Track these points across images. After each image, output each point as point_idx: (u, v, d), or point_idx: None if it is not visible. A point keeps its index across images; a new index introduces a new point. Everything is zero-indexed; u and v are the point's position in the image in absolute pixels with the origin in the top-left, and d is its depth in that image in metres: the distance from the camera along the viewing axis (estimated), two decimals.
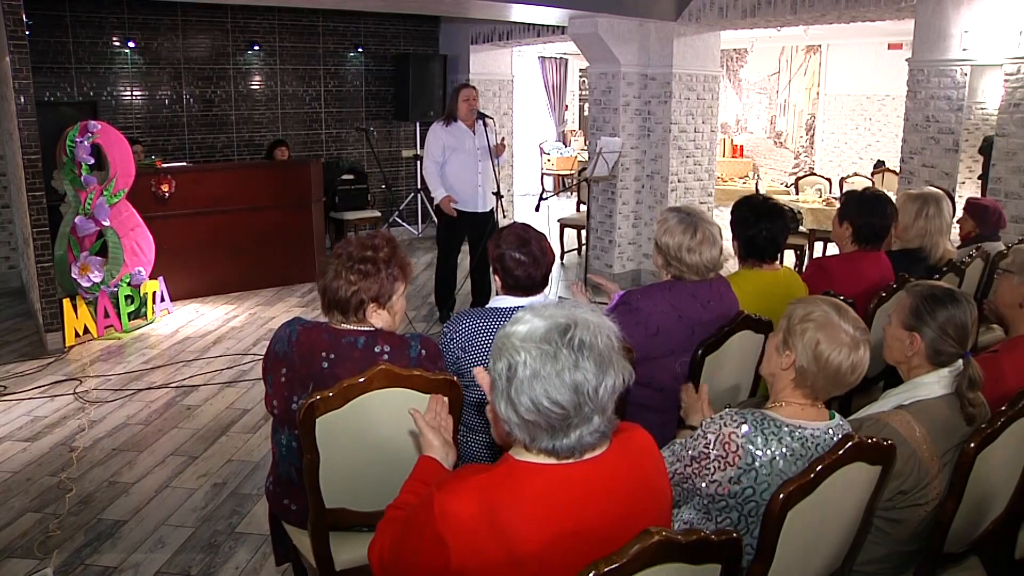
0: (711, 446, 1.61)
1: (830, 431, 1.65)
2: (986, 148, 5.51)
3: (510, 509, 1.27)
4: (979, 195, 5.42)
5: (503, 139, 5.68)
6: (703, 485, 1.62)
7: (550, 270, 2.41)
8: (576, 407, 1.25)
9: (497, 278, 2.42)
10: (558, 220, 8.31)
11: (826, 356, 1.64)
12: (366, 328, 2.08)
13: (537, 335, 1.27)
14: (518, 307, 1.78)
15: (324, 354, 2.04)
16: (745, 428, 1.60)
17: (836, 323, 1.65)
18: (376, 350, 2.05)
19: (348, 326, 2.08)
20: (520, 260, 2.33)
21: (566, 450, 1.29)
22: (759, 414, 1.64)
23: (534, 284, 2.37)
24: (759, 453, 1.58)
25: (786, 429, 1.61)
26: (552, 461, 1.31)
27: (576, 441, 1.28)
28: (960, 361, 1.93)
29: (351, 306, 2.05)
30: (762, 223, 2.78)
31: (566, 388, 1.24)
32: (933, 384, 1.93)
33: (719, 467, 1.59)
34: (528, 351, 1.26)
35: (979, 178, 5.59)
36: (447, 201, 5.31)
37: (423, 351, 2.10)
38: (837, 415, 1.72)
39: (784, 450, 1.59)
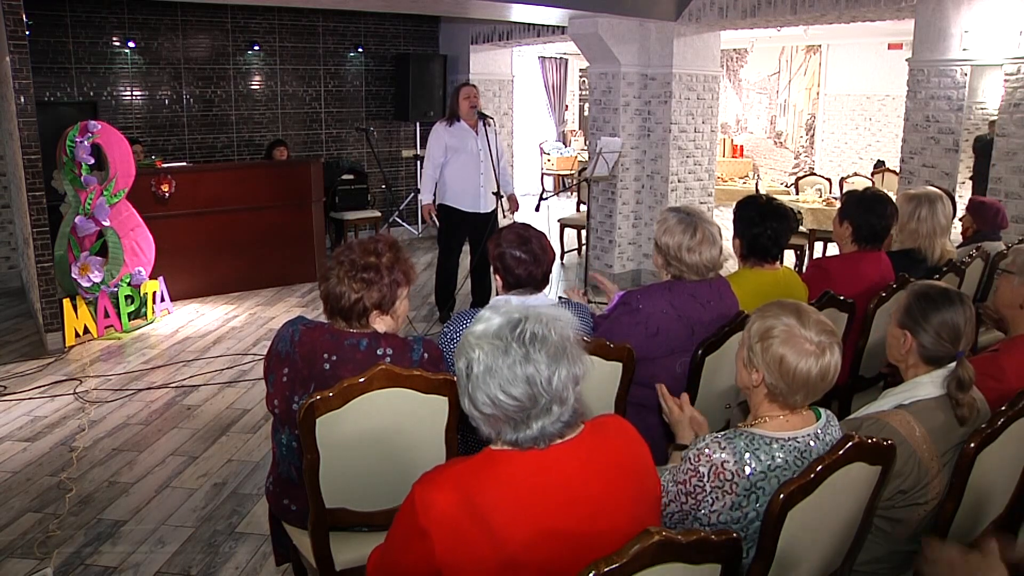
0: (705, 478, 1.57)
1: (819, 432, 1.64)
2: (976, 147, 5.51)
3: (488, 495, 1.29)
4: (967, 195, 5.41)
5: (514, 197, 5.67)
6: (702, 515, 1.59)
7: (550, 268, 2.42)
8: (531, 399, 1.29)
9: (498, 277, 2.42)
10: (558, 220, 8.31)
11: (792, 369, 1.60)
12: (368, 330, 2.08)
13: (491, 331, 1.32)
14: None
15: (326, 355, 2.03)
16: (736, 453, 1.56)
17: (798, 334, 1.61)
18: (379, 352, 2.04)
19: (351, 328, 2.08)
20: (520, 258, 2.34)
21: (529, 441, 1.32)
22: (747, 435, 1.60)
23: (535, 282, 2.37)
24: (755, 475, 1.55)
25: (776, 444, 1.59)
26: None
27: (539, 432, 1.31)
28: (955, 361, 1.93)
29: (354, 314, 2.04)
30: (768, 223, 2.78)
31: (519, 381, 1.28)
32: (930, 384, 1.92)
33: (717, 497, 1.57)
34: (481, 347, 1.31)
35: (970, 178, 5.58)
36: (428, 208, 5.43)
37: (425, 354, 2.09)
38: (824, 412, 1.69)
39: (779, 465, 1.57)
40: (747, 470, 1.55)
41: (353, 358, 2.02)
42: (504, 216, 5.54)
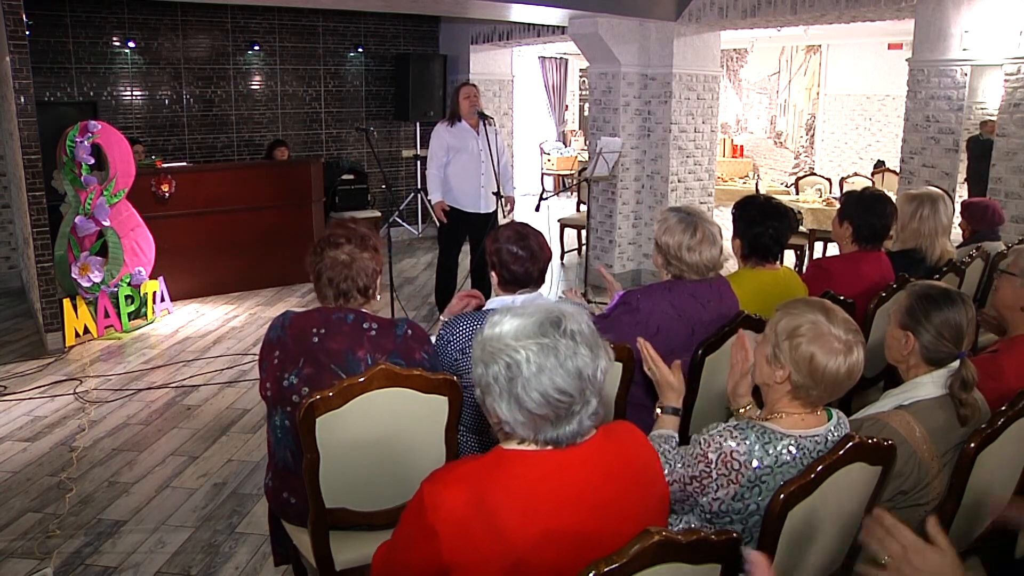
0: (713, 465, 1.58)
1: (831, 434, 1.64)
2: (969, 146, 5.50)
3: (499, 496, 1.28)
4: (966, 196, 5.41)
5: (512, 199, 5.67)
6: (704, 501, 1.60)
7: (547, 267, 2.42)
8: (580, 392, 1.30)
9: (494, 274, 2.42)
10: (558, 220, 8.31)
11: (823, 368, 1.59)
12: (354, 308, 2.16)
13: (529, 331, 1.31)
14: None
15: (315, 330, 2.10)
16: (747, 444, 1.57)
17: (827, 332, 1.60)
18: (364, 326, 2.11)
19: (362, 308, 2.16)
20: (517, 255, 2.34)
21: (569, 436, 1.32)
22: (759, 427, 1.60)
23: (530, 280, 2.37)
24: (762, 469, 1.56)
25: (787, 440, 1.59)
26: (545, 448, 1.34)
27: (578, 425, 1.32)
28: (957, 361, 1.93)
29: (374, 281, 2.15)
30: (769, 222, 2.77)
31: (571, 376, 1.29)
32: (930, 384, 1.92)
33: (722, 485, 1.57)
34: (527, 348, 1.29)
35: (965, 180, 5.58)
36: (440, 206, 5.39)
37: (409, 331, 2.16)
38: (835, 413, 1.70)
39: (786, 462, 1.57)
40: (754, 463, 1.56)
41: (341, 330, 2.09)
42: (504, 216, 5.54)
